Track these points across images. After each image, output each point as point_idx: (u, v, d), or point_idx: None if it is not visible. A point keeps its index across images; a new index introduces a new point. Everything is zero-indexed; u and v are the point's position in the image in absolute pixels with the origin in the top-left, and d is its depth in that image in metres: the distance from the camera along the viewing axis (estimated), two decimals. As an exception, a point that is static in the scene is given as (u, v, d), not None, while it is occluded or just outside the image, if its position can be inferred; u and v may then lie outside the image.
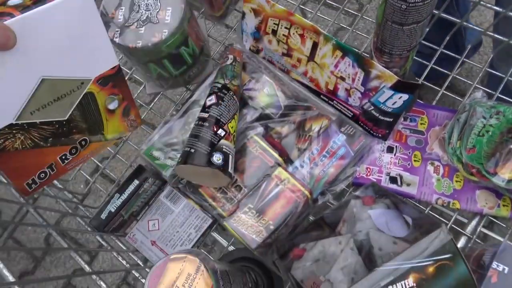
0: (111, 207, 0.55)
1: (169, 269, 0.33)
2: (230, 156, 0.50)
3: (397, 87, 0.47)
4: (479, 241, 0.53)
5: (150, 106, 0.70)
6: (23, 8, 0.36)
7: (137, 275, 0.58)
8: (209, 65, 0.67)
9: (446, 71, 0.62)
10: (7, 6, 0.36)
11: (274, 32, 0.55)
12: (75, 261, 0.57)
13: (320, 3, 0.70)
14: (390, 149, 0.56)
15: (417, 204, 0.56)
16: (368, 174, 0.55)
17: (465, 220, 0.56)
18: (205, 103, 0.53)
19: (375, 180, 0.55)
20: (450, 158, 0.53)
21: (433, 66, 0.62)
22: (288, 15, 0.52)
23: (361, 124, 0.55)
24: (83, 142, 0.50)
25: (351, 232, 0.44)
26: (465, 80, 0.64)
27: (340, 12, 0.66)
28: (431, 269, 0.37)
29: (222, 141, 0.50)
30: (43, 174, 0.48)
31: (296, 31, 0.53)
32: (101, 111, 0.49)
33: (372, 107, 0.51)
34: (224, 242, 0.60)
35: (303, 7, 0.78)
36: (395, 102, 0.49)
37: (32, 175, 0.47)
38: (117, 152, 0.70)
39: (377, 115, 0.52)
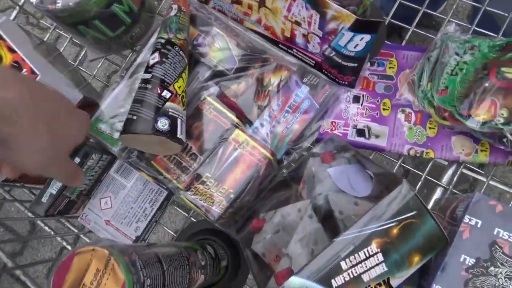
0: (52, 189, 0.51)
1: (75, 265, 0.30)
2: (179, 120, 0.46)
3: (357, 28, 0.43)
4: (456, 192, 0.50)
5: (94, 73, 0.65)
6: None
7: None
8: (155, 22, 0.61)
9: (417, 6, 0.56)
10: None
11: (217, -23, 0.50)
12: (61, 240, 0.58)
13: None
14: (356, 99, 0.52)
15: (388, 156, 0.53)
16: (333, 128, 0.51)
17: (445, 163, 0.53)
18: (148, 62, 0.48)
19: (340, 135, 0.51)
20: (421, 102, 0.49)
21: (402, 1, 0.56)
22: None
23: (325, 72, 0.51)
24: None
25: (310, 195, 0.41)
26: (439, 15, 0.59)
27: None
28: (395, 230, 0.34)
29: (168, 104, 0.45)
30: None
31: (239, -26, 0.47)
32: None
33: (334, 53, 0.47)
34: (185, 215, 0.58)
35: None
36: (356, 45, 0.44)
37: None
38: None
39: (340, 61, 0.47)
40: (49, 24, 0.70)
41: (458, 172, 0.50)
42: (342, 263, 0.32)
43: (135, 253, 0.32)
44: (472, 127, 0.44)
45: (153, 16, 0.61)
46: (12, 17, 0.66)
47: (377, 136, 0.51)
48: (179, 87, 0.47)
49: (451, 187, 0.50)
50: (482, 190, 0.48)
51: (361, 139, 0.51)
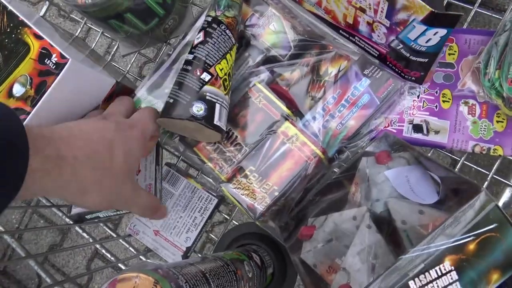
0: None
1: None
2: (217, 105, 0.43)
3: (431, 21, 0.38)
4: None
5: (127, 70, 0.63)
6: (30, 100, 0.42)
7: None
8: (189, 12, 0.58)
9: None
10: (15, 98, 0.43)
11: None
12: (100, 230, 0.57)
13: None
14: (402, 94, 0.47)
15: (449, 154, 0.48)
16: (387, 125, 0.47)
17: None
18: (193, 42, 0.46)
19: (395, 131, 0.47)
20: (487, 93, 0.44)
21: None
22: None
23: (390, 64, 0.46)
24: None
25: (366, 200, 0.37)
26: None
27: None
28: (472, 245, 0.30)
29: (206, 87, 0.42)
30: None
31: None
32: None
33: (401, 45, 0.42)
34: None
35: None
36: (429, 39, 0.39)
37: None
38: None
39: (408, 55, 0.42)
40: (79, 18, 0.69)
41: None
42: (411, 283, 0.28)
43: (181, 276, 0.30)
44: None
45: (187, 6, 0.58)
46: (42, 13, 0.66)
47: (436, 132, 0.47)
48: (221, 70, 0.44)
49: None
50: None
51: (419, 136, 0.47)
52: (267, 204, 0.44)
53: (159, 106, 0.50)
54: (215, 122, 0.42)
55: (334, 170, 0.47)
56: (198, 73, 0.42)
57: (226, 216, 0.57)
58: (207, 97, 0.42)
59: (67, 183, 0.34)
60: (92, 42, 0.63)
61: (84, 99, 0.49)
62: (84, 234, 0.56)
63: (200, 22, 0.51)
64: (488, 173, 0.46)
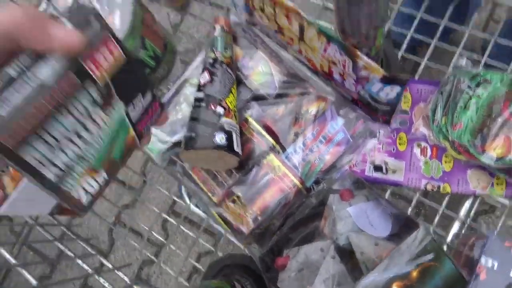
0: None
1: None
2: (234, 134, 0.50)
3: (386, 80, 0.45)
4: (474, 226, 0.53)
5: None
6: None
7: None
8: (176, 62, 0.65)
9: (427, 39, 0.58)
10: None
11: (262, 10, 0.53)
12: (88, 261, 0.63)
13: None
14: (371, 133, 0.55)
15: (408, 188, 0.55)
16: (352, 165, 0.54)
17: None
18: (199, 81, 0.53)
19: (359, 171, 0.54)
20: (436, 136, 0.51)
21: (414, 35, 0.58)
22: (269, -5, 0.49)
23: (361, 108, 0.54)
24: None
25: (332, 233, 0.45)
26: (448, 47, 0.60)
27: None
28: (415, 273, 0.38)
29: (223, 119, 0.50)
30: None
31: (281, 12, 0.50)
32: None
33: (367, 95, 0.50)
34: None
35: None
36: (388, 93, 0.47)
37: None
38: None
39: (373, 103, 0.50)
40: None
41: (475, 206, 0.52)
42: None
43: None
44: (487, 163, 0.46)
45: (175, 55, 0.65)
46: None
47: (394, 171, 0.54)
48: (231, 102, 0.51)
49: (469, 220, 0.52)
50: (503, 218, 0.50)
51: (379, 175, 0.54)
52: (251, 228, 0.52)
53: (160, 136, 0.57)
54: (235, 149, 0.49)
55: (311, 199, 0.55)
56: (213, 108, 0.49)
57: (211, 247, 0.64)
58: (226, 128, 0.49)
59: None
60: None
61: None
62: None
63: (196, 63, 0.59)
64: (439, 206, 0.54)
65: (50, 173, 0.28)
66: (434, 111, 0.51)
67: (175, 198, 0.67)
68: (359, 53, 0.44)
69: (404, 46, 0.58)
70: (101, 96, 0.30)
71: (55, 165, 0.28)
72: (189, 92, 0.58)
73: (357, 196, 0.48)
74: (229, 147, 0.49)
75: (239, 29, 0.60)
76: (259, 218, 0.52)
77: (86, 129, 0.30)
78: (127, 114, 0.32)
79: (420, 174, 0.53)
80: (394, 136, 0.54)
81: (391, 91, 0.46)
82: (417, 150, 0.54)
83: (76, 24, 0.29)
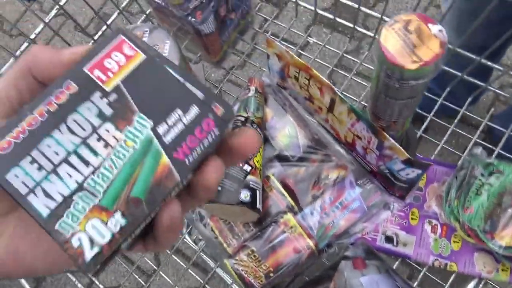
0: None
1: None
2: (258, 192, 0.53)
3: (408, 163, 0.48)
4: None
5: None
6: None
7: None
8: None
9: (456, 107, 0.62)
10: None
11: (296, 78, 0.58)
12: (75, 284, 0.63)
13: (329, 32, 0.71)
14: (386, 205, 0.57)
15: (414, 264, 0.58)
16: (365, 233, 0.57)
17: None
18: None
19: (370, 240, 0.57)
20: (447, 216, 0.54)
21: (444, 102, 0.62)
22: (307, 68, 0.54)
23: (379, 180, 0.58)
24: None
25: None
26: (464, 134, 0.64)
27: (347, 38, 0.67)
28: None
29: (249, 177, 0.52)
30: None
31: (315, 84, 0.55)
32: None
33: (388, 171, 0.54)
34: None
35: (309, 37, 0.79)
36: (408, 174, 0.50)
37: None
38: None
39: (392, 179, 0.54)
40: None
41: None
42: None
43: None
44: (495, 249, 0.49)
45: None
46: None
47: (404, 244, 0.56)
48: (257, 161, 0.54)
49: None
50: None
51: (389, 246, 0.57)
52: (262, 284, 0.54)
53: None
54: (257, 206, 0.52)
55: (323, 260, 0.57)
56: (241, 165, 0.52)
57: (202, 281, 0.65)
58: (251, 185, 0.52)
59: None
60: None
61: None
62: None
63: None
64: (444, 284, 0.56)
65: (41, 205, 0.22)
66: (448, 193, 0.54)
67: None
68: (386, 135, 0.48)
69: (424, 126, 0.62)
70: (112, 108, 0.23)
71: (48, 195, 0.22)
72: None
73: (369, 266, 0.50)
74: (252, 204, 0.51)
75: (269, 90, 0.64)
76: (272, 274, 0.54)
77: (92, 150, 0.22)
78: (157, 135, 0.23)
79: (429, 250, 0.55)
80: (407, 211, 0.57)
81: (412, 173, 0.49)
82: (428, 227, 0.56)
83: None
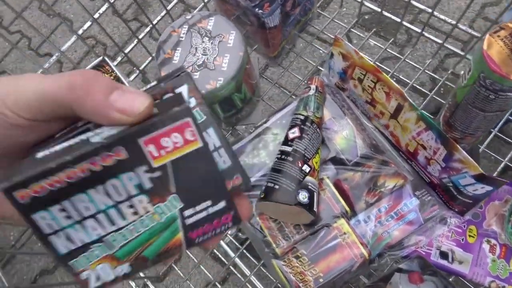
0: None
1: None
2: (315, 194, 0.51)
3: (480, 179, 0.46)
4: None
5: None
6: None
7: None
8: (259, 107, 0.68)
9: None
10: None
11: (360, 80, 0.56)
12: None
13: (368, 32, 0.70)
14: (443, 220, 0.55)
15: (468, 284, 0.56)
16: (417, 246, 0.56)
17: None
18: (287, 135, 0.55)
19: (423, 253, 0.55)
20: (508, 238, 0.52)
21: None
22: (376, 71, 0.52)
23: (438, 193, 0.56)
24: None
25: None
26: None
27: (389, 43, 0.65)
28: None
29: (308, 178, 0.51)
30: None
31: (382, 88, 0.53)
32: None
33: (451, 184, 0.52)
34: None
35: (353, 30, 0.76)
36: (476, 190, 0.48)
37: None
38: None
39: (456, 193, 0.52)
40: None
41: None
42: None
43: None
44: None
45: (259, 100, 0.68)
46: (131, 78, 0.76)
47: (460, 262, 0.54)
48: (316, 163, 0.53)
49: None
50: None
51: (444, 262, 0.55)
52: (312, 288, 0.53)
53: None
54: (314, 209, 0.51)
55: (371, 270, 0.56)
56: (300, 165, 0.51)
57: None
58: (309, 187, 0.50)
59: None
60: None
61: None
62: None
63: (280, 114, 0.61)
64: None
65: (60, 245, 0.24)
66: (510, 213, 0.52)
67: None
68: (459, 147, 0.46)
69: (487, 141, 0.60)
70: (153, 183, 0.24)
71: (70, 239, 0.24)
72: (270, 140, 0.61)
73: (426, 282, 0.48)
74: (309, 206, 0.50)
75: (328, 90, 0.62)
76: (321, 280, 0.52)
77: (121, 214, 0.24)
78: (182, 216, 0.26)
79: (486, 270, 0.53)
80: (464, 227, 0.55)
81: (480, 189, 0.47)
82: (486, 246, 0.54)
83: (160, 94, 0.26)
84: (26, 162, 0.23)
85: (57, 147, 0.23)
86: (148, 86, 0.27)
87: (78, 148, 0.22)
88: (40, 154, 0.23)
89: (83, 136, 0.24)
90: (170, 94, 0.27)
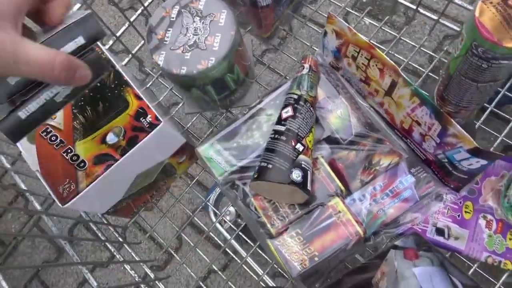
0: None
1: None
2: (309, 173, 0.51)
3: (475, 153, 0.46)
4: None
5: (187, 127, 0.73)
6: (121, 149, 0.52)
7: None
8: (253, 88, 0.68)
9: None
10: (107, 145, 0.52)
11: (354, 58, 0.55)
12: (96, 256, 0.63)
13: (363, 13, 0.69)
14: (438, 196, 0.55)
15: (464, 260, 0.55)
16: (413, 223, 0.55)
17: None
18: (280, 115, 0.54)
19: (419, 231, 0.55)
20: (504, 213, 0.52)
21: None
22: (369, 47, 0.51)
23: (433, 169, 0.55)
24: (162, 183, 0.67)
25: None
26: None
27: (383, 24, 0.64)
28: None
29: (301, 157, 0.51)
30: None
31: (376, 65, 0.52)
32: (174, 165, 0.65)
33: (446, 160, 0.51)
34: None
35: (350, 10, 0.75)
36: (471, 164, 0.48)
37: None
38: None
39: (451, 169, 0.51)
40: (152, 73, 0.79)
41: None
42: None
43: None
44: None
45: (252, 82, 0.68)
46: (124, 62, 0.75)
47: (456, 238, 0.54)
48: (310, 141, 0.53)
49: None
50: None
51: (440, 238, 0.54)
52: (306, 267, 0.52)
53: (225, 156, 0.59)
54: (308, 187, 0.50)
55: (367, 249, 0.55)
56: (293, 144, 0.51)
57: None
58: (303, 165, 0.50)
59: None
60: (159, 94, 0.73)
61: (157, 154, 0.57)
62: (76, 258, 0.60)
63: (274, 94, 0.61)
64: (496, 282, 0.54)
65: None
66: (507, 187, 0.52)
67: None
68: (453, 121, 0.45)
69: (483, 117, 0.59)
70: None
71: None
72: (263, 120, 0.60)
73: (421, 258, 0.48)
74: (303, 185, 0.50)
75: (322, 70, 0.62)
76: (316, 259, 0.52)
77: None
78: None
79: (483, 246, 0.53)
80: (460, 203, 0.55)
81: (475, 163, 0.47)
82: (482, 222, 0.54)
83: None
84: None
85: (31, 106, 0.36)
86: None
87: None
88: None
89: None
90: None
